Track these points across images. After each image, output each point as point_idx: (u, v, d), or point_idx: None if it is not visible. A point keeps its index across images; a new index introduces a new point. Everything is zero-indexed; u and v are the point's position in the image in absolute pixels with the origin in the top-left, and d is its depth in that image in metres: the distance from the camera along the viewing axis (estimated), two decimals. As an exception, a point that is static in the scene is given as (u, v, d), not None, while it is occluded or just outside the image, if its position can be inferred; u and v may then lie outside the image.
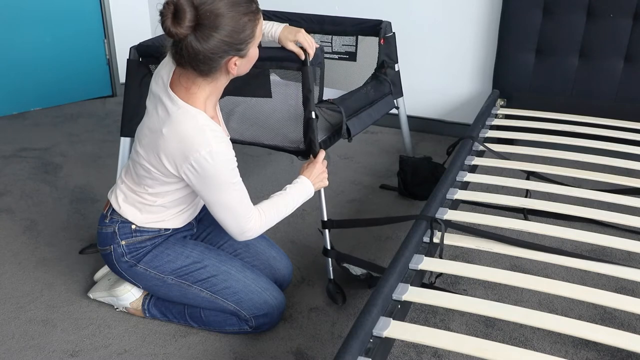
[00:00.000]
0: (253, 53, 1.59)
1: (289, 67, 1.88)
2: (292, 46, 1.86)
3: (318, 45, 1.87)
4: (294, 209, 1.81)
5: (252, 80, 1.93)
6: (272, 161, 3.02)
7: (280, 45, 1.89)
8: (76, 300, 2.00)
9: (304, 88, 1.87)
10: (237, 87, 1.95)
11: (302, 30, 1.86)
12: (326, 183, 1.91)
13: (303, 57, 1.85)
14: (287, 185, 1.81)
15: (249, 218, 1.68)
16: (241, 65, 1.58)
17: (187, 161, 1.56)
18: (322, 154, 1.91)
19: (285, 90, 1.94)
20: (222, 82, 1.61)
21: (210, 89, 1.60)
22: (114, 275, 1.96)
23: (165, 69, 1.64)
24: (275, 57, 1.88)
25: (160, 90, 1.62)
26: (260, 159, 3.05)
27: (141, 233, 1.78)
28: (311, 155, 1.95)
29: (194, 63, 1.51)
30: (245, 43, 1.52)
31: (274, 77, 1.96)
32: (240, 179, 1.65)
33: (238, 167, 1.63)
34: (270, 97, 1.95)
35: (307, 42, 1.86)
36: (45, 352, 1.79)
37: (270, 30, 1.89)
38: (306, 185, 1.83)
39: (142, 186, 1.72)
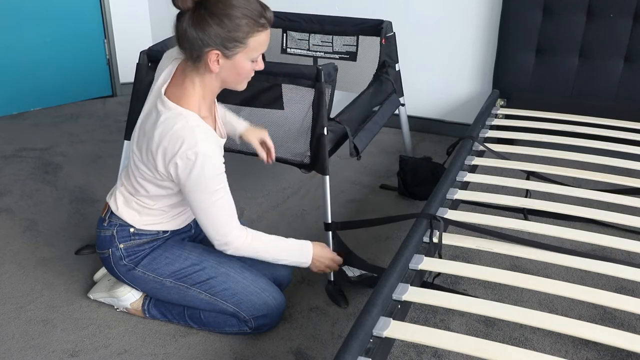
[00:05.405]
0: (241, 62, 1.57)
1: (301, 84, 1.89)
2: (255, 143, 1.93)
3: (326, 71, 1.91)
4: (280, 261, 1.80)
5: (264, 93, 1.95)
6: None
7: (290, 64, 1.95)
8: (76, 300, 2.00)
9: (314, 105, 1.88)
10: (248, 98, 1.96)
11: (266, 132, 1.96)
12: (323, 270, 1.90)
13: (265, 158, 1.95)
14: (292, 238, 1.83)
15: (230, 229, 1.68)
16: (225, 68, 1.57)
17: (173, 160, 1.57)
18: (340, 259, 1.93)
19: (292, 102, 1.95)
20: (211, 81, 1.61)
21: (202, 89, 1.61)
22: (114, 276, 1.96)
23: (165, 71, 1.66)
24: (288, 73, 1.90)
25: (156, 93, 1.65)
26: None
27: (139, 236, 1.78)
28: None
29: (182, 40, 1.54)
30: (233, 43, 1.52)
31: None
32: (228, 189, 1.66)
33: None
34: (283, 109, 1.96)
35: (270, 143, 1.95)
36: (45, 352, 1.79)
37: (234, 124, 1.95)
38: (306, 253, 1.83)
39: (140, 189, 1.72)
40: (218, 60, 1.54)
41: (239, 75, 1.60)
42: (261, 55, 1.62)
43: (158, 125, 1.58)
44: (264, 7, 1.55)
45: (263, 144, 1.95)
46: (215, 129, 1.70)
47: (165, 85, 1.62)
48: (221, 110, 1.94)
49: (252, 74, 1.64)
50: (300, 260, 1.84)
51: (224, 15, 1.48)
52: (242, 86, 1.65)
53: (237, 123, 1.96)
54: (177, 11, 1.53)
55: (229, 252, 1.73)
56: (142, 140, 1.65)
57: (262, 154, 1.95)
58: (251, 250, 1.74)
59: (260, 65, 1.63)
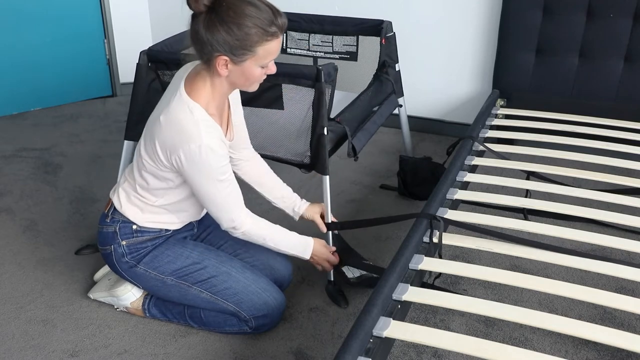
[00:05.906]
0: (250, 68, 1.57)
1: (301, 84, 1.89)
2: (317, 218, 1.99)
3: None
4: (282, 251, 1.85)
5: (264, 93, 1.95)
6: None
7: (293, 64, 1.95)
8: (76, 300, 2.00)
9: (314, 105, 1.88)
10: (248, 98, 1.96)
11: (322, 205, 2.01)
12: (319, 267, 1.94)
13: (325, 229, 1.99)
14: (295, 232, 1.86)
15: (237, 214, 1.71)
16: (234, 74, 1.58)
17: (176, 152, 1.58)
18: (335, 260, 1.96)
19: (292, 102, 1.95)
20: (221, 83, 1.62)
21: (211, 89, 1.61)
22: (114, 275, 1.96)
23: (182, 69, 1.70)
24: (288, 73, 1.90)
25: (175, 84, 1.67)
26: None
27: (142, 233, 1.78)
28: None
29: (194, 40, 1.54)
30: (241, 50, 1.52)
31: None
32: (233, 177, 1.68)
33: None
34: (283, 109, 1.96)
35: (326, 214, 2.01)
36: (45, 352, 1.79)
37: (296, 206, 2.00)
38: (306, 247, 1.87)
39: (142, 182, 1.73)
40: (227, 65, 1.55)
41: (248, 80, 1.61)
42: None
43: (165, 109, 1.60)
44: (276, 15, 1.52)
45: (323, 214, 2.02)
46: (225, 134, 1.70)
47: (183, 81, 1.63)
48: (284, 189, 2.00)
49: (264, 77, 1.64)
50: (300, 254, 1.87)
51: (233, 23, 1.48)
52: (253, 88, 1.66)
53: (299, 202, 2.00)
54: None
55: (235, 235, 1.76)
56: (148, 128, 1.67)
57: (323, 227, 2.00)
58: (259, 235, 1.78)
59: (272, 70, 1.63)
